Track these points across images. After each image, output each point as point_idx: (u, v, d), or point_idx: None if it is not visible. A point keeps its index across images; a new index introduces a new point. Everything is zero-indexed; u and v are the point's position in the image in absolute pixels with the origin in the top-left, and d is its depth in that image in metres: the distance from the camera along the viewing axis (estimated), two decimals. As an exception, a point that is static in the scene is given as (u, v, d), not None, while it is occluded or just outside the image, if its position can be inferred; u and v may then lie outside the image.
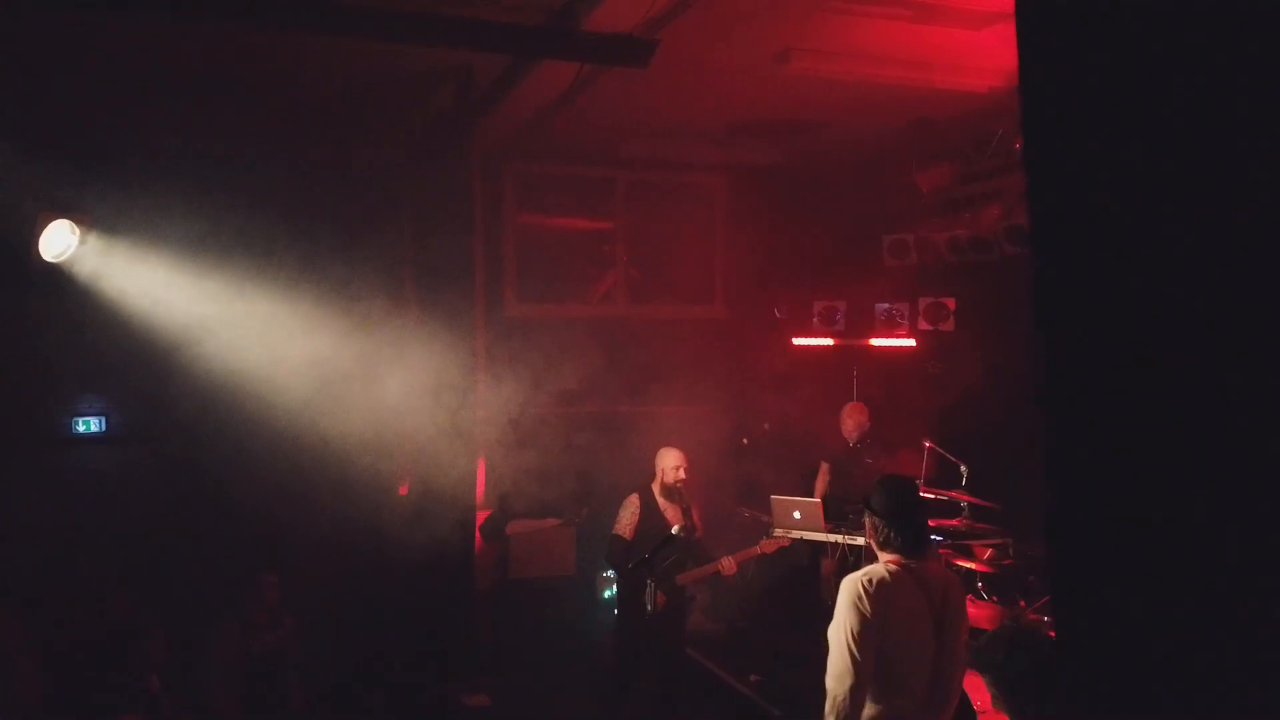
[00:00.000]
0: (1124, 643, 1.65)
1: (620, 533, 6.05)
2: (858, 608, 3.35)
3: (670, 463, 6.12)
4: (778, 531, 6.85)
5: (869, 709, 3.33)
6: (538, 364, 7.93)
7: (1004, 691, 2.67)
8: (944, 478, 6.18)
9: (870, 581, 3.38)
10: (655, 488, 6.14)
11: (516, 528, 7.82)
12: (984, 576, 5.94)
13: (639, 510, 6.05)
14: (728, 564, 5.99)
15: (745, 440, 8.49)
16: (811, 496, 7.31)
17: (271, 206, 6.73)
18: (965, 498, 5.81)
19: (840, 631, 3.35)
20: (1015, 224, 7.18)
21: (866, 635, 3.30)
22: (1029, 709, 2.61)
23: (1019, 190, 7.31)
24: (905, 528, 3.53)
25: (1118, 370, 1.66)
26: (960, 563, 6.05)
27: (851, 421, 7.62)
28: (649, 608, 4.29)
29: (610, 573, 7.91)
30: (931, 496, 6.03)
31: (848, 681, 3.29)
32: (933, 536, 6.35)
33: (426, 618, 7.03)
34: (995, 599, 5.76)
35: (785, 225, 8.74)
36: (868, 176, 8.64)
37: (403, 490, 7.57)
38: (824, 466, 7.74)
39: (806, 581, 7.61)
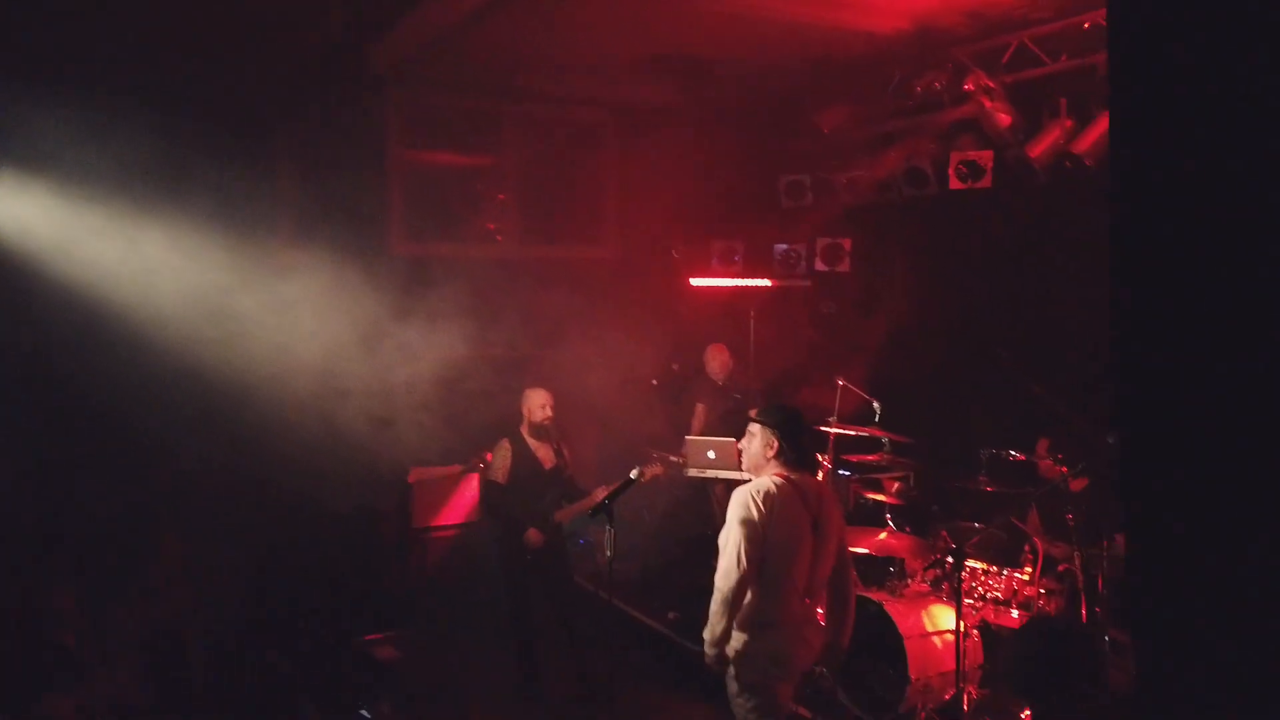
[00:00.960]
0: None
1: (495, 478, 6.07)
2: (747, 515, 3.81)
3: (536, 402, 6.13)
4: (692, 471, 6.90)
5: (751, 600, 3.81)
6: (429, 304, 7.65)
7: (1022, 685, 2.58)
8: (857, 414, 6.32)
9: (758, 492, 3.86)
10: (524, 429, 6.13)
11: (419, 475, 7.57)
12: (892, 509, 6.16)
13: (511, 453, 6.06)
14: (600, 493, 5.99)
15: (655, 381, 8.47)
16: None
17: (147, 133, 6.15)
18: (878, 432, 5.97)
19: (731, 536, 3.81)
20: (916, 166, 7.35)
21: (753, 539, 3.77)
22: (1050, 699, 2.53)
23: (919, 133, 7.49)
24: (796, 445, 4.05)
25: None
26: (870, 495, 6.25)
27: (716, 362, 7.77)
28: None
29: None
30: (847, 432, 6.17)
31: (734, 578, 3.77)
32: (841, 471, 6.57)
33: (334, 570, 6.75)
34: (907, 529, 5.99)
35: (683, 165, 8.64)
36: (768, 117, 8.64)
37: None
38: (699, 407, 7.79)
39: (707, 516, 7.74)
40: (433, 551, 7.50)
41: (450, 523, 7.70)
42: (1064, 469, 5.09)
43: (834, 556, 4.05)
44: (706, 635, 3.92)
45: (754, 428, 4.17)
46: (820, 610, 4.29)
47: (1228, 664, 1.68)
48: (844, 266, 8.30)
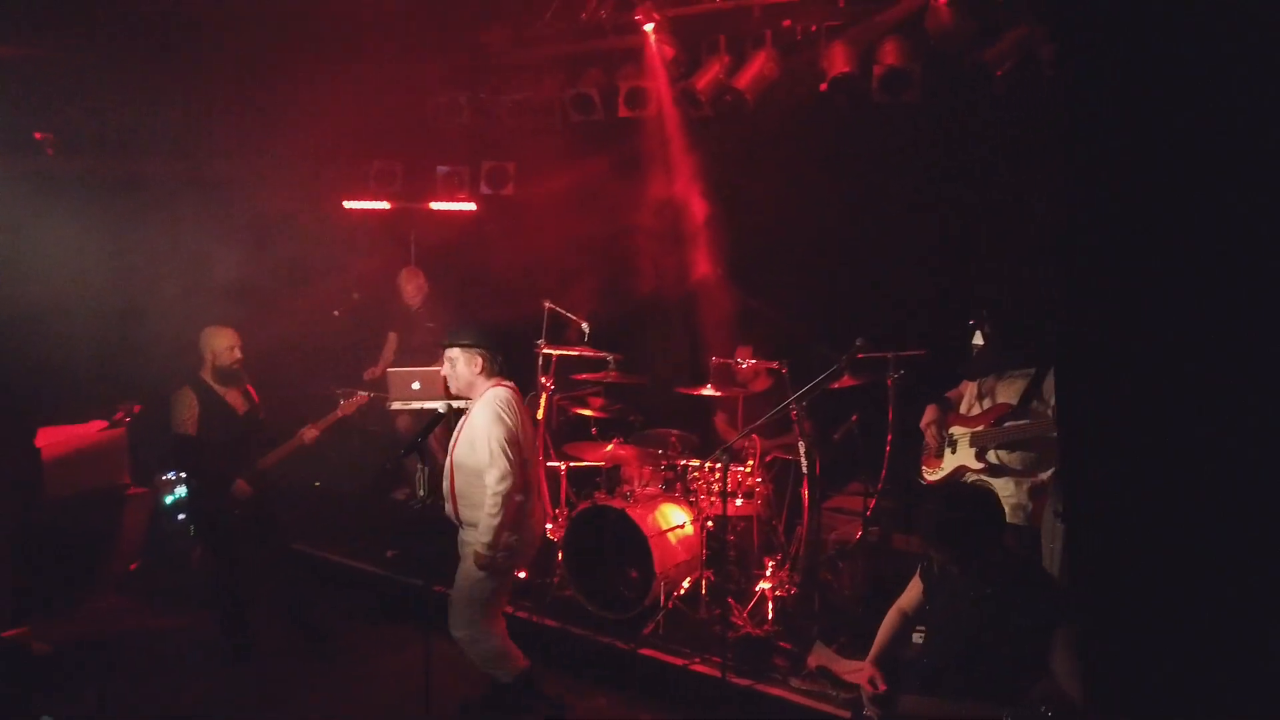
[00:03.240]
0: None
1: (184, 431, 5.48)
2: (504, 421, 4.28)
3: (223, 344, 5.61)
4: (396, 405, 6.65)
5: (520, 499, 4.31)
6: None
7: (955, 549, 2.99)
8: (563, 335, 6.50)
9: (502, 401, 4.33)
10: (207, 375, 5.61)
11: (49, 437, 6.37)
12: (598, 421, 6.51)
13: (197, 402, 5.50)
14: (309, 433, 5.72)
15: (336, 313, 7.87)
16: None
17: None
18: (587, 352, 6.20)
19: (495, 443, 4.22)
20: (583, 93, 7.57)
21: (512, 442, 4.26)
22: (976, 561, 2.99)
23: (582, 59, 7.69)
24: (501, 356, 4.53)
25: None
26: (577, 411, 6.53)
27: (411, 286, 7.57)
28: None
29: (174, 474, 6.96)
30: (555, 353, 6.33)
31: (508, 481, 4.22)
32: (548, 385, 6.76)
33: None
34: (619, 439, 6.36)
35: (329, 80, 7.97)
36: (426, 32, 8.25)
37: None
38: (391, 336, 7.57)
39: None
40: (81, 521, 6.40)
41: (95, 485, 6.61)
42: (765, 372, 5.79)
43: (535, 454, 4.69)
44: (488, 539, 4.23)
45: (453, 352, 4.52)
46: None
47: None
48: (509, 190, 8.35)
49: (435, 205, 8.28)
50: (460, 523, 4.54)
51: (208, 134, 7.68)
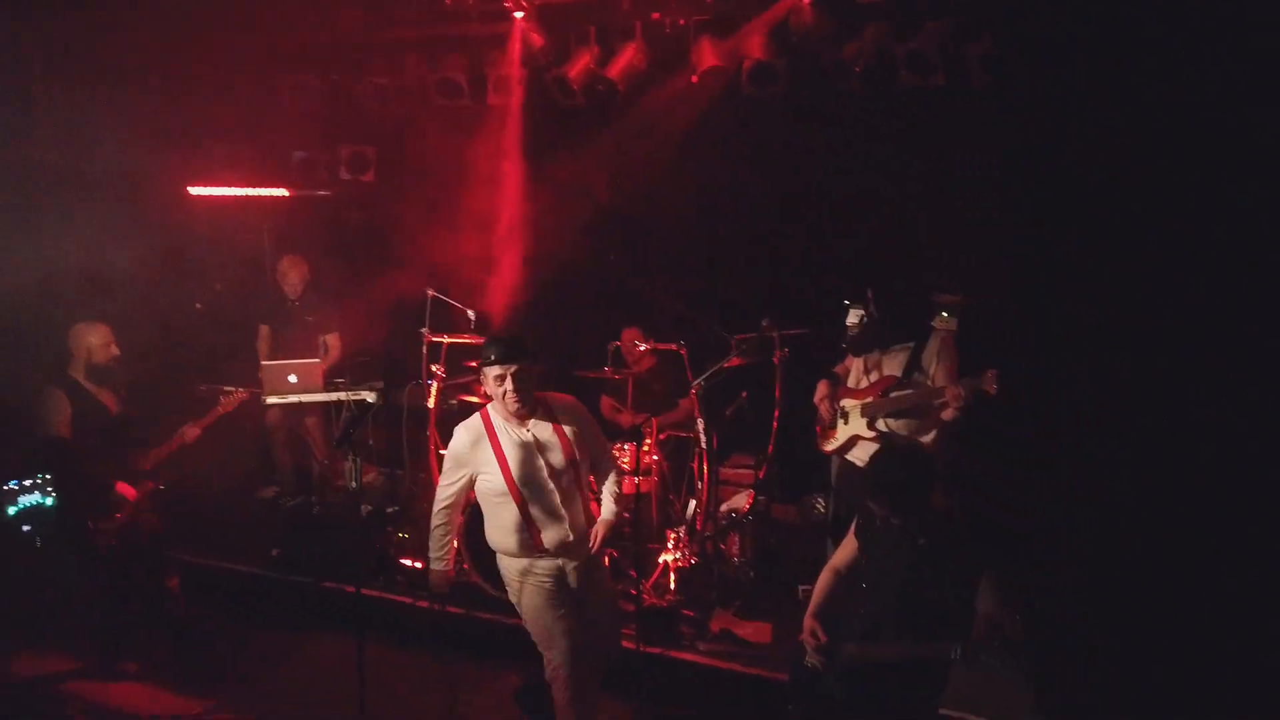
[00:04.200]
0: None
1: (57, 433, 5.19)
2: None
3: (97, 340, 5.36)
4: (272, 399, 6.40)
5: None
6: None
7: (895, 502, 3.22)
8: (449, 323, 6.46)
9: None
10: (78, 373, 5.33)
11: None
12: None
13: (68, 402, 5.22)
14: (191, 432, 5.53)
15: (199, 305, 7.40)
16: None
17: None
18: (477, 339, 6.19)
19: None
20: (449, 78, 7.49)
21: None
22: (915, 514, 3.24)
23: (444, 42, 7.60)
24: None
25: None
26: (465, 399, 6.53)
27: (295, 274, 7.15)
28: (354, 485, 3.94)
29: (18, 483, 6.41)
30: (445, 341, 6.30)
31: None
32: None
33: None
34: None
35: (172, 57, 7.51)
36: (276, 8, 7.87)
37: None
38: (263, 329, 7.20)
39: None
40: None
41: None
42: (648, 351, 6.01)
43: None
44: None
45: (512, 369, 3.99)
46: None
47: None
48: (369, 176, 8.15)
49: (290, 192, 7.98)
50: (573, 552, 4.15)
51: (37, 115, 7.07)
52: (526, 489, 4.01)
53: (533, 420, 4.09)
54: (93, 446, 5.11)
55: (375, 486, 7.31)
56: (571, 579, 4.16)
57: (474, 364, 6.41)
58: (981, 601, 3.12)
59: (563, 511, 4.07)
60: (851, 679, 3.31)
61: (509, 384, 3.96)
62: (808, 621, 3.50)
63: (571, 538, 4.08)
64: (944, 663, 3.28)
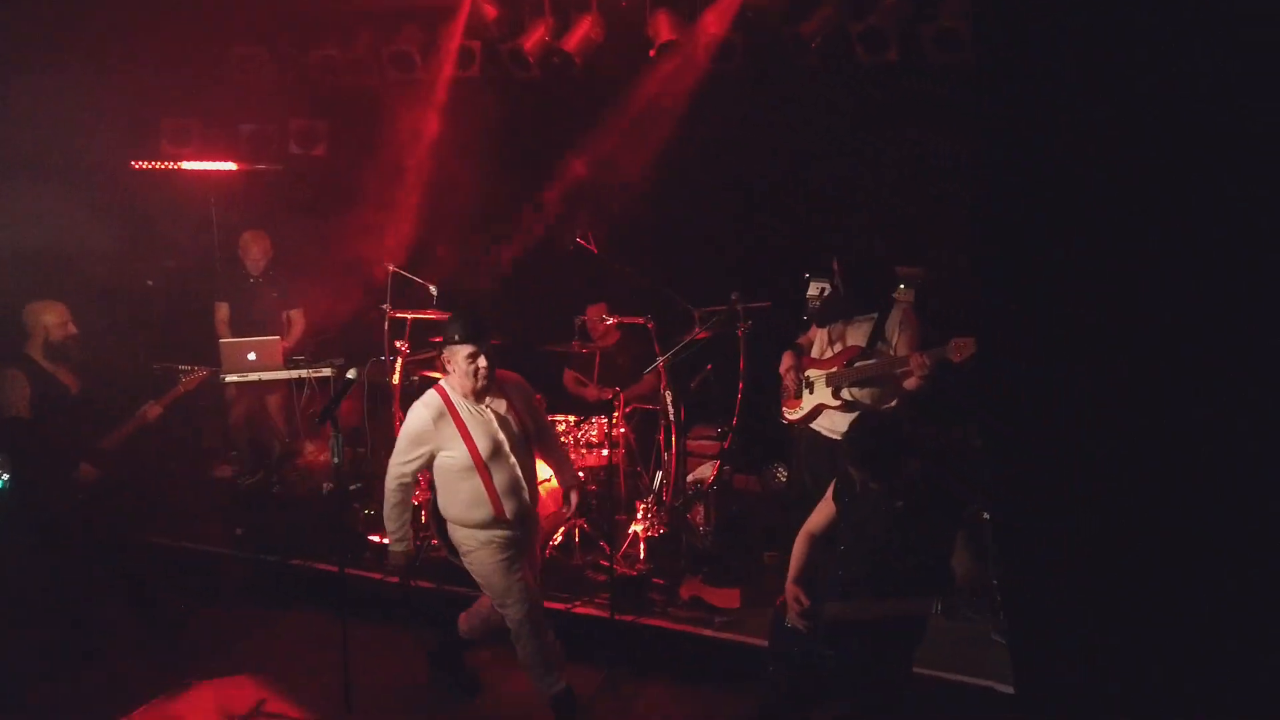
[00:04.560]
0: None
1: (16, 413, 5.10)
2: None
3: (55, 319, 5.30)
4: (232, 377, 6.31)
5: None
6: None
7: (875, 468, 3.38)
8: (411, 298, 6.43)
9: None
10: (35, 352, 5.26)
11: None
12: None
13: (27, 382, 5.14)
14: (153, 410, 5.49)
15: (150, 282, 7.22)
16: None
17: None
18: (441, 315, 6.17)
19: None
20: (403, 51, 7.40)
21: None
22: (893, 479, 3.38)
23: (396, 16, 7.50)
24: None
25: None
26: (426, 374, 6.51)
27: (257, 248, 7.00)
28: (337, 460, 3.93)
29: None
30: (408, 317, 6.27)
31: None
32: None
33: None
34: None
35: (114, 32, 7.25)
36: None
37: None
38: (221, 306, 7.05)
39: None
40: None
41: None
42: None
43: None
44: None
45: (470, 350, 4.16)
46: None
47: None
48: (320, 150, 8.02)
49: (237, 165, 7.80)
50: (526, 519, 4.41)
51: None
52: (491, 464, 4.20)
53: (489, 397, 4.27)
54: (54, 426, 5.02)
55: (331, 466, 7.27)
56: (526, 542, 4.43)
57: (438, 339, 6.42)
58: (958, 560, 3.27)
59: (523, 483, 4.31)
60: (832, 638, 3.44)
61: (481, 362, 4.11)
62: (790, 588, 3.62)
63: (530, 505, 4.38)
64: (921, 619, 3.43)
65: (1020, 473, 2.43)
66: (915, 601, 3.29)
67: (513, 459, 4.26)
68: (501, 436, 4.23)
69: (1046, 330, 2.36)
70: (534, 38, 7.15)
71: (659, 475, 6.02)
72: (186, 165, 7.67)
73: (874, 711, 3.44)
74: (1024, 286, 2.43)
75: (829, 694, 3.58)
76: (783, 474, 6.50)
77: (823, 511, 3.72)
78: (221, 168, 7.72)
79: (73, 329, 5.18)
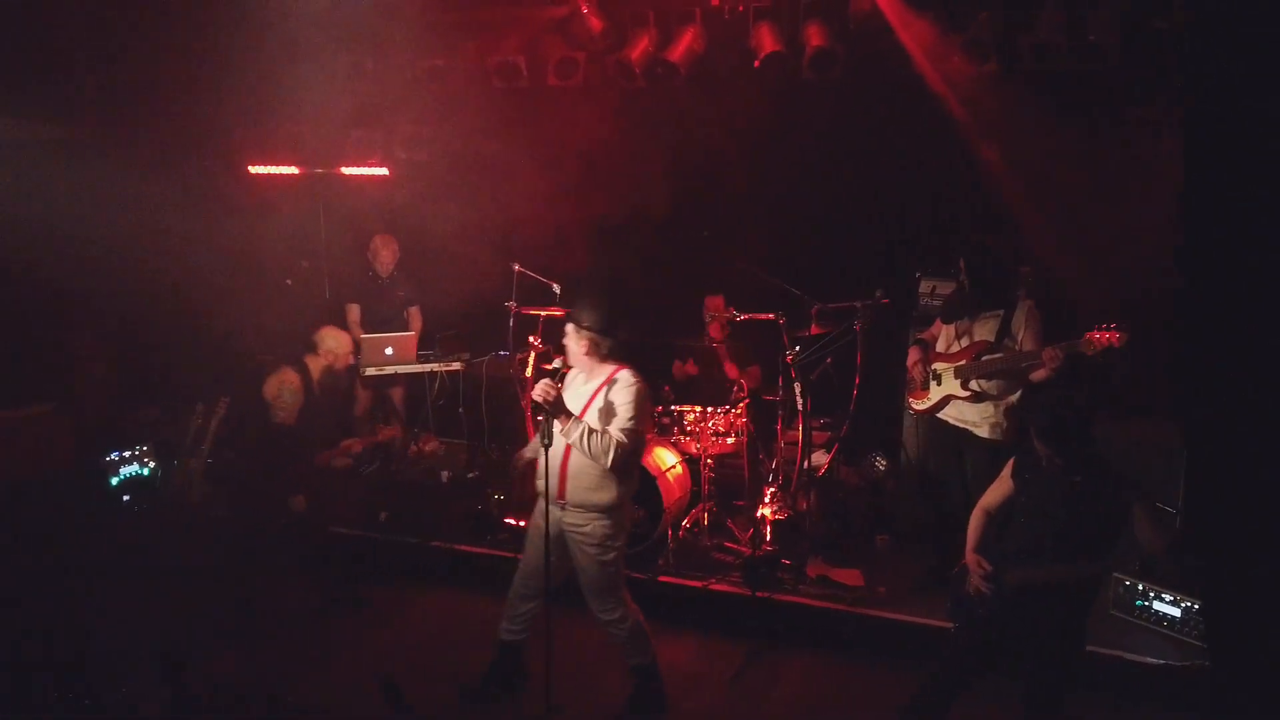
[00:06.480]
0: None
1: (286, 421, 5.75)
2: (648, 402, 4.50)
3: (343, 347, 6.06)
4: (370, 370, 6.66)
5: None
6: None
7: (1061, 444, 3.67)
8: (534, 297, 6.76)
9: (641, 386, 4.37)
10: (316, 369, 5.96)
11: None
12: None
13: (301, 391, 5.81)
14: (355, 446, 6.11)
15: (289, 281, 7.56)
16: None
17: None
18: (561, 311, 6.49)
19: (640, 409, 4.31)
20: (509, 60, 7.72)
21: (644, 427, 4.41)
22: (1075, 454, 3.68)
23: (507, 26, 7.81)
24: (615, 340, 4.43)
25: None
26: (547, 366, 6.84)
27: (387, 252, 7.39)
28: (546, 442, 4.19)
29: (116, 455, 6.61)
30: (541, 314, 6.61)
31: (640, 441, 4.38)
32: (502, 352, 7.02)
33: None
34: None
35: (235, 41, 7.60)
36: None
37: None
38: (353, 308, 7.40)
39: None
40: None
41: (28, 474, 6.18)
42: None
43: None
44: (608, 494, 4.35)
45: (569, 327, 4.45)
46: None
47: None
48: (425, 155, 8.34)
49: (347, 170, 8.14)
50: (564, 505, 4.41)
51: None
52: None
53: (585, 377, 4.51)
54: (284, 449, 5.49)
55: (439, 456, 7.63)
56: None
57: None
58: (1139, 529, 3.62)
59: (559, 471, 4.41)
60: (1012, 600, 3.79)
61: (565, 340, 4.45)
62: (971, 556, 3.97)
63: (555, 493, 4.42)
64: (1094, 583, 3.78)
65: (1224, 469, 2.65)
66: (1089, 565, 3.64)
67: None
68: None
69: (1252, 330, 2.59)
70: (639, 48, 7.49)
71: (775, 462, 6.37)
72: (346, 170, 7.96)
73: (1047, 686, 3.77)
74: (1230, 284, 2.68)
75: (999, 666, 3.91)
76: (881, 463, 6.83)
77: (1000, 487, 4.06)
78: (375, 172, 8.04)
79: (352, 360, 5.56)
